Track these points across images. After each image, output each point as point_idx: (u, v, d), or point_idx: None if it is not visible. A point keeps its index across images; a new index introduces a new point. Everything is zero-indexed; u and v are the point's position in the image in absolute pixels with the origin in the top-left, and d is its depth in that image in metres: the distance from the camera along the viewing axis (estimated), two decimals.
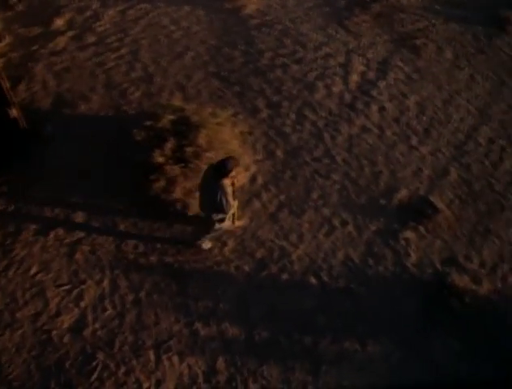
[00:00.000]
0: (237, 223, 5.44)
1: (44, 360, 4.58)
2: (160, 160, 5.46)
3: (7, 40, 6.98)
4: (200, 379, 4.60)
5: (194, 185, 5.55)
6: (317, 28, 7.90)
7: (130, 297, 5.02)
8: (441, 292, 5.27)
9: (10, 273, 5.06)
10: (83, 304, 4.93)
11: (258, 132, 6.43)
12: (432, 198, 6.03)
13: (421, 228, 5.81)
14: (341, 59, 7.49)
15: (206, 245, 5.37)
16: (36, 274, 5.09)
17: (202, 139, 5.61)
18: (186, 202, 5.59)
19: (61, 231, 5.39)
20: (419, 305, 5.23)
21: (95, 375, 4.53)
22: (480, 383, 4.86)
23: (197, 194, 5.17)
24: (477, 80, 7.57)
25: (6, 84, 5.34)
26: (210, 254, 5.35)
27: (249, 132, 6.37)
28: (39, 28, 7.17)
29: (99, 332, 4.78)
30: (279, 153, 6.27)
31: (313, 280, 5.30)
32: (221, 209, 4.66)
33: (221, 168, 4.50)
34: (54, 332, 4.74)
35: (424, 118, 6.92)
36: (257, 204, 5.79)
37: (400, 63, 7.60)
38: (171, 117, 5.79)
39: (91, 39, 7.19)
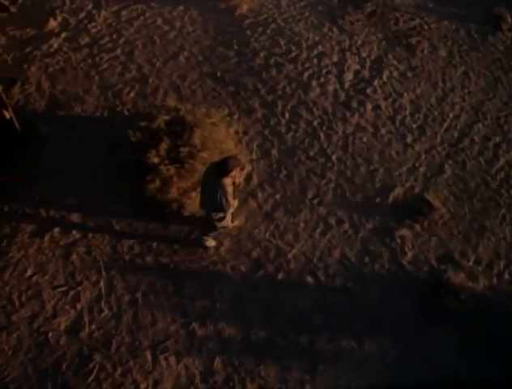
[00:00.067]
0: (233, 222, 5.44)
1: (40, 362, 4.59)
2: (155, 160, 5.46)
3: (1, 41, 6.95)
4: (197, 379, 4.62)
5: (189, 186, 5.56)
6: (311, 27, 7.90)
7: (127, 298, 5.02)
8: (437, 290, 5.29)
9: (6, 275, 5.05)
10: (79, 305, 4.93)
11: (252, 132, 6.44)
12: (427, 196, 6.06)
13: (417, 226, 5.83)
14: (335, 58, 7.49)
15: (210, 243, 5.38)
16: (32, 276, 5.08)
17: (197, 139, 5.60)
18: (182, 202, 5.58)
19: (56, 232, 5.39)
20: (415, 303, 5.25)
21: (92, 377, 4.54)
22: (480, 383, 4.88)
23: (192, 194, 5.16)
24: (471, 78, 7.59)
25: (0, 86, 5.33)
26: (205, 254, 5.35)
27: (244, 131, 6.37)
28: (33, 30, 7.14)
29: (95, 333, 4.78)
30: (274, 152, 6.28)
31: (309, 279, 5.32)
32: (221, 208, 4.66)
33: (222, 168, 4.50)
34: (51, 334, 4.74)
35: (419, 116, 6.94)
36: (252, 204, 5.80)
37: (394, 61, 7.62)
38: (166, 117, 5.78)
39: (85, 40, 7.17)
